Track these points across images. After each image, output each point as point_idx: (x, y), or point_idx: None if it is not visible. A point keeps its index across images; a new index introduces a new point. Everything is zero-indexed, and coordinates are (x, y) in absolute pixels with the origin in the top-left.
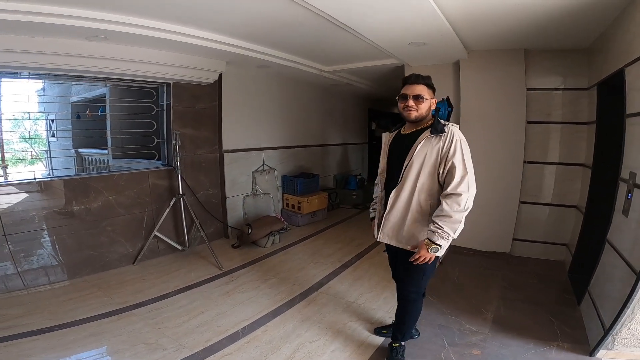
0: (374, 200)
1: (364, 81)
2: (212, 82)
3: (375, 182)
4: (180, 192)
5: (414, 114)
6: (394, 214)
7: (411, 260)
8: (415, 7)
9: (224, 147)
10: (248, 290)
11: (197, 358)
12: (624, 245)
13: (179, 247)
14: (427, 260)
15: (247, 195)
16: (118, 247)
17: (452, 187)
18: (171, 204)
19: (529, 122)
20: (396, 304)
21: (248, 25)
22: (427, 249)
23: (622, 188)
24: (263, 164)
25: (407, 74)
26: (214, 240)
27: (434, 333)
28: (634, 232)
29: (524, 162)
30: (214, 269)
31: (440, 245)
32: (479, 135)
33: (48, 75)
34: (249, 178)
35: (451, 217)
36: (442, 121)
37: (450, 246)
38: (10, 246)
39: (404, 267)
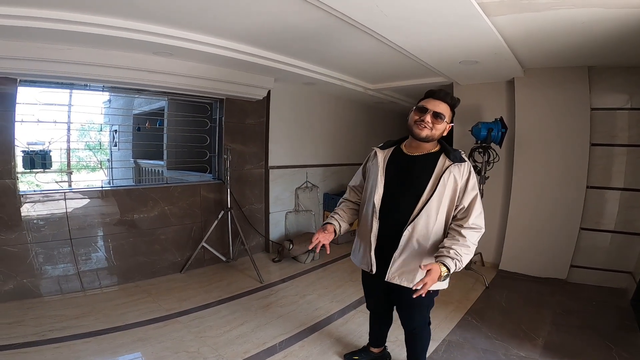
0: (333, 212)
1: (409, 99)
2: (261, 98)
3: (342, 199)
4: (228, 206)
5: (425, 133)
6: (408, 253)
7: (415, 286)
8: (470, 27)
9: (270, 163)
10: (287, 304)
11: None
12: None
13: (223, 258)
14: (429, 287)
15: (290, 212)
16: (168, 256)
17: (473, 220)
18: (219, 216)
19: (592, 145)
20: (374, 325)
21: (297, 43)
22: (441, 275)
23: None
24: (306, 181)
25: (455, 92)
26: (256, 253)
27: (478, 357)
28: None
29: (587, 187)
30: (254, 281)
31: (449, 275)
32: (535, 157)
33: (115, 88)
34: (292, 194)
35: (469, 247)
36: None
37: (498, 270)
38: (75, 249)
39: (406, 303)
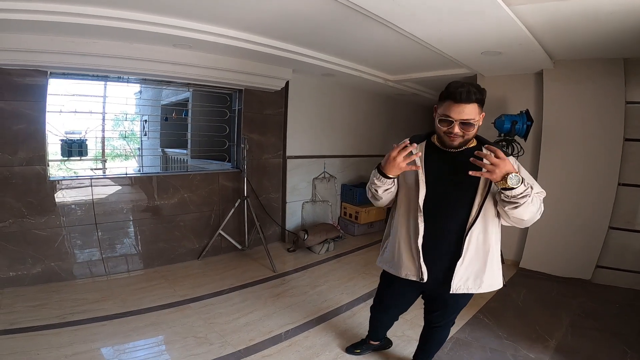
0: (377, 189)
1: (431, 91)
2: (279, 89)
3: (377, 190)
4: (245, 195)
5: (458, 141)
6: (470, 259)
7: (478, 156)
8: (489, 16)
9: (288, 153)
10: (297, 294)
11: (238, 356)
12: None
13: (239, 246)
14: (494, 166)
15: (307, 202)
16: (187, 242)
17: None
18: (236, 205)
19: (626, 140)
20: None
21: (314, 34)
22: (508, 174)
23: None
24: (324, 172)
25: (480, 83)
26: (271, 242)
27: (485, 357)
28: None
29: (619, 184)
30: (267, 270)
31: (515, 187)
32: (563, 152)
33: (144, 80)
34: (309, 185)
35: (538, 193)
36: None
37: (518, 268)
38: (100, 234)
39: (443, 304)
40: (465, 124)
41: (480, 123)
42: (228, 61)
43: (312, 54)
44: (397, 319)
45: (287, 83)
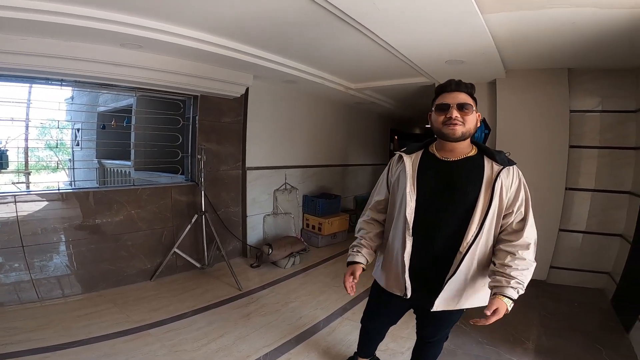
0: (358, 241)
1: (389, 100)
2: (239, 95)
3: (366, 219)
4: (203, 209)
5: (459, 129)
6: (461, 277)
7: (475, 322)
8: (465, 24)
9: (247, 164)
10: (269, 313)
11: None
12: None
13: (197, 264)
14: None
15: (268, 215)
16: (136, 262)
17: (527, 234)
18: (193, 220)
19: (571, 147)
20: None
21: (280, 38)
22: (507, 311)
23: None
24: (285, 183)
25: None
26: (233, 258)
27: None
28: None
29: (566, 188)
30: (232, 289)
31: (512, 302)
32: (516, 159)
33: (79, 83)
34: (271, 197)
35: (529, 269)
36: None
37: None
38: (27, 256)
39: (435, 320)
40: (462, 108)
41: (479, 119)
42: (182, 64)
43: (275, 59)
44: (386, 330)
45: (248, 89)
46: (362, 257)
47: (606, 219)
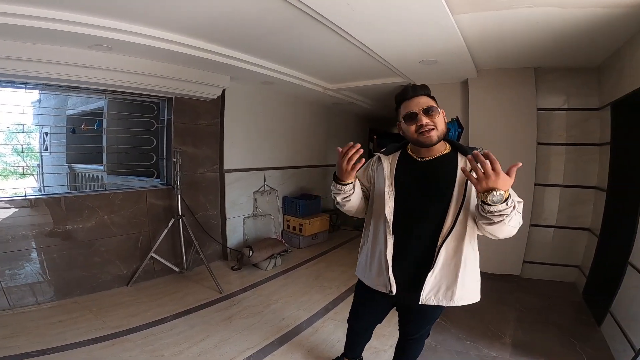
0: (336, 196)
1: (366, 100)
2: (215, 97)
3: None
4: (180, 213)
5: (434, 135)
6: (443, 271)
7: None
8: (436, 25)
9: (225, 167)
10: (251, 315)
11: None
12: None
13: (176, 268)
14: (487, 174)
15: (248, 217)
16: (111, 268)
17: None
18: (170, 224)
19: (540, 144)
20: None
21: (257, 39)
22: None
23: None
24: (264, 185)
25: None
26: (213, 262)
27: None
28: None
29: (535, 184)
30: (213, 292)
31: (501, 200)
32: None
33: (46, 86)
34: (250, 199)
35: (517, 216)
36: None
37: None
38: None
39: (418, 316)
40: (428, 111)
41: (444, 115)
42: (155, 66)
43: (252, 60)
44: (373, 329)
45: (224, 91)
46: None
47: (574, 214)
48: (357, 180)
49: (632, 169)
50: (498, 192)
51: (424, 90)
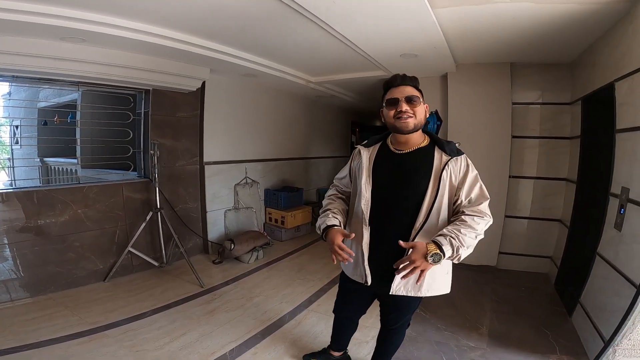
0: (326, 210)
1: (349, 93)
2: (195, 89)
3: (330, 194)
4: (158, 206)
5: (411, 122)
6: None
7: (396, 266)
8: (416, 19)
9: (205, 159)
10: (233, 309)
11: None
12: (619, 259)
13: (155, 263)
14: (417, 269)
15: (229, 210)
16: (87, 264)
17: (480, 209)
18: (147, 218)
19: (514, 137)
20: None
21: (238, 31)
22: (426, 254)
23: (613, 203)
24: (246, 177)
25: None
26: (194, 255)
27: (432, 350)
28: (629, 246)
29: (509, 176)
30: (194, 286)
31: (443, 255)
32: (466, 149)
33: (16, 78)
34: (231, 192)
35: (473, 229)
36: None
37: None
38: None
39: (397, 307)
40: (410, 100)
41: (427, 110)
42: (130, 57)
43: (232, 52)
44: (358, 320)
45: (204, 83)
46: (335, 219)
47: (546, 205)
48: (338, 222)
49: (600, 162)
50: (431, 255)
51: (412, 81)
